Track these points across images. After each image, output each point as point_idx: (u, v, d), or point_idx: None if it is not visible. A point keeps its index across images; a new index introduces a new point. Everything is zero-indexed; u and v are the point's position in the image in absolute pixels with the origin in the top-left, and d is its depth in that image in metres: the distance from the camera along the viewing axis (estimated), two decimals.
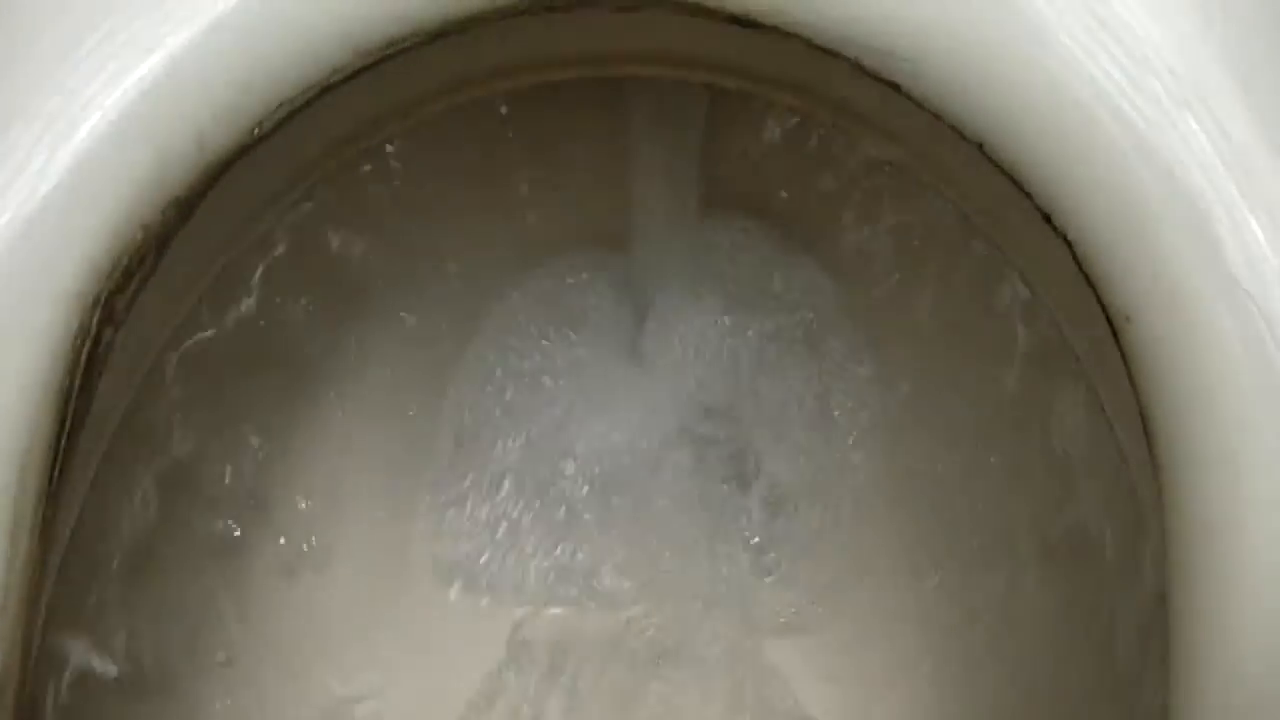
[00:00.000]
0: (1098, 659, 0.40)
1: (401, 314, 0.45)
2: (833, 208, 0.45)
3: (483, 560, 0.46)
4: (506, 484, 0.46)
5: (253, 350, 0.43)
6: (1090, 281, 0.32)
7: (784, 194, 0.45)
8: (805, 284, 0.47)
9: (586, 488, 0.45)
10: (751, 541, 0.46)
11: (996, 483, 0.44)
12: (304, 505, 0.44)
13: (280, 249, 0.42)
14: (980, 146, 0.32)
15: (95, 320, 0.31)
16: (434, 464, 0.46)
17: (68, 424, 0.31)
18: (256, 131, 0.32)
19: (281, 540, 0.44)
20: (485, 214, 0.45)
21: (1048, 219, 0.32)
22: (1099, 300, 0.32)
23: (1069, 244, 0.32)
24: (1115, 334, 0.32)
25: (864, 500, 0.46)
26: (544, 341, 0.46)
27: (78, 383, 0.31)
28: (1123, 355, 0.32)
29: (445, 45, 0.33)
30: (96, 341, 0.31)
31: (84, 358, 0.31)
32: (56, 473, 0.30)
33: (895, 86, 0.32)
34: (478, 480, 0.46)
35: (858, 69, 0.32)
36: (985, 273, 0.42)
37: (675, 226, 0.45)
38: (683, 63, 0.37)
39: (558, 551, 0.46)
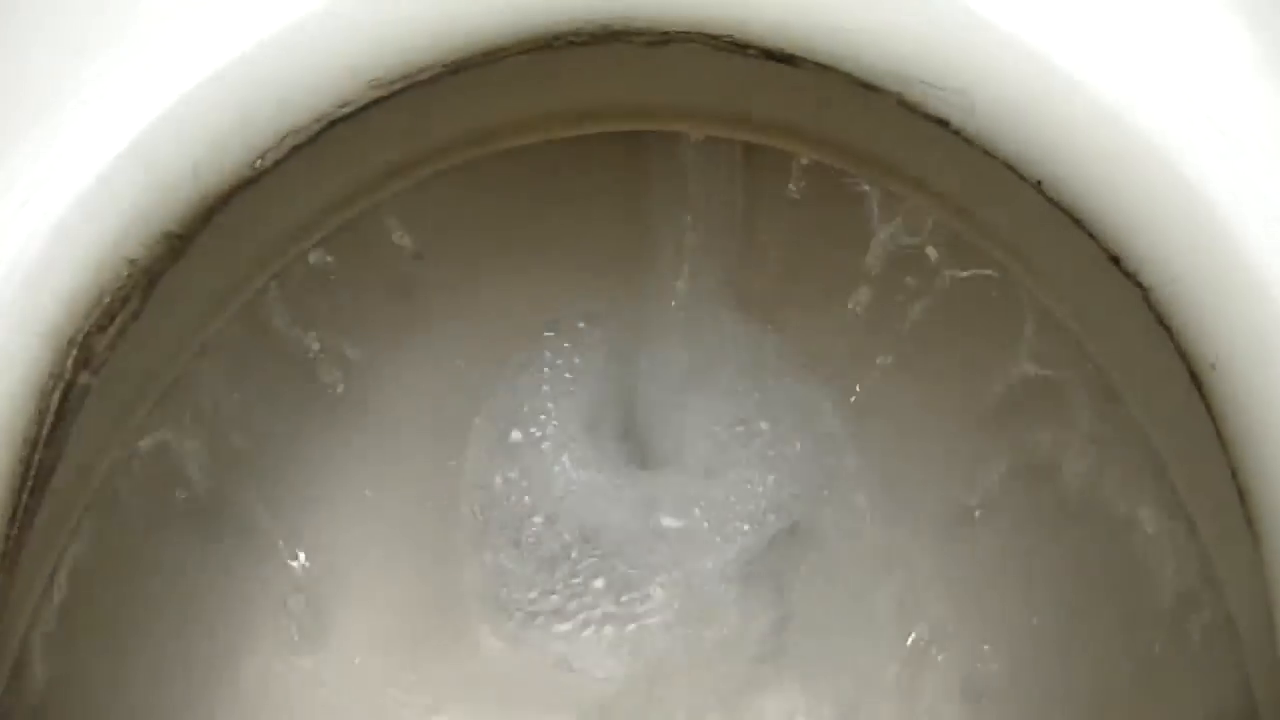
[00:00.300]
0: None
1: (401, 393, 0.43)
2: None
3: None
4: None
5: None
6: (1168, 328, 0.29)
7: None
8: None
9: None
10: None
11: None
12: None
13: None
14: (1039, 184, 0.30)
15: (70, 361, 0.28)
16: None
17: (31, 476, 0.27)
18: (258, 164, 0.29)
19: None
20: (487, 284, 0.43)
21: (1116, 261, 0.29)
22: (1178, 348, 0.29)
23: (1142, 288, 0.29)
24: (1198, 384, 0.29)
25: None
26: (551, 429, 0.43)
27: (46, 431, 0.28)
28: (1207, 407, 0.29)
29: (460, 87, 0.31)
30: (70, 385, 0.28)
31: (55, 403, 0.28)
32: (15, 529, 0.27)
33: (944, 123, 0.30)
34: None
35: (903, 105, 0.30)
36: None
37: (702, 311, 0.42)
38: (711, 116, 0.35)
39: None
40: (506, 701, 0.43)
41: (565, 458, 0.42)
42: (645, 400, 0.44)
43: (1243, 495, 0.28)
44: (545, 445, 0.42)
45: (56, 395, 0.28)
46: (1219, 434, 0.28)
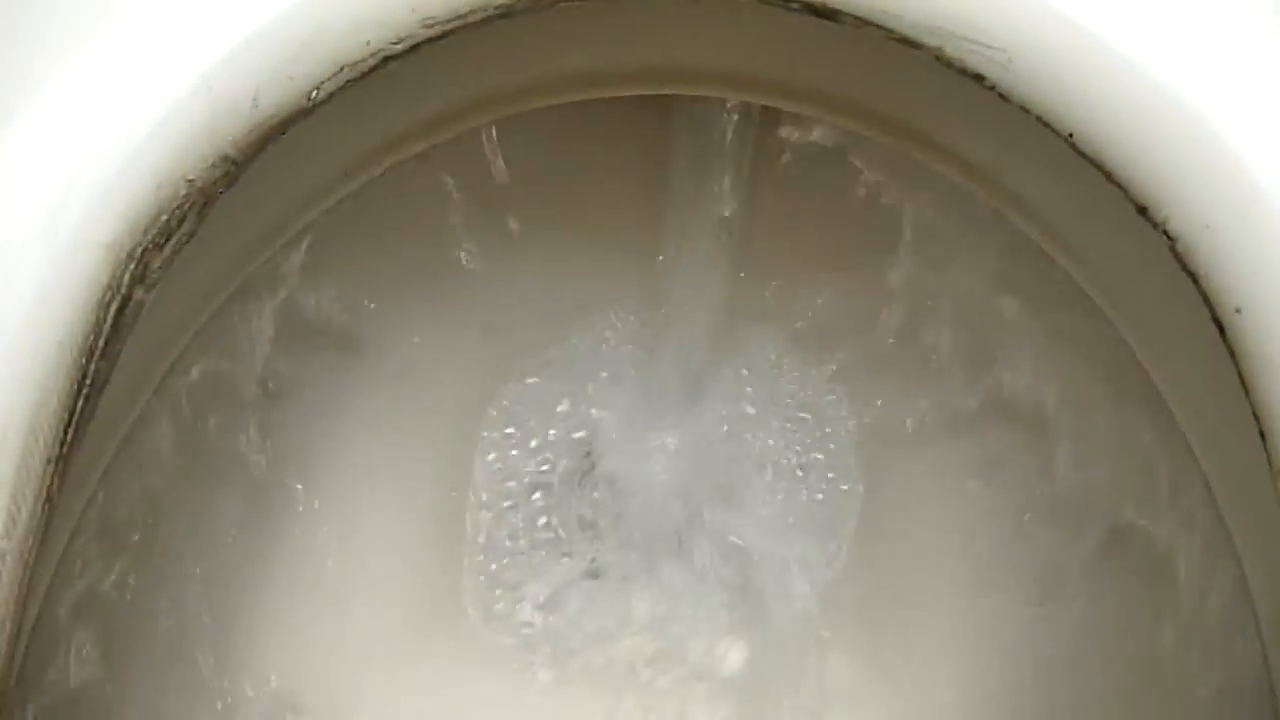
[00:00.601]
0: None
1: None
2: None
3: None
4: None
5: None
6: (1192, 276, 0.30)
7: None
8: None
9: None
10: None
11: None
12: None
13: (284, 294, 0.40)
14: (1070, 137, 0.31)
15: (127, 276, 0.28)
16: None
17: (86, 386, 0.28)
18: (314, 95, 0.30)
19: None
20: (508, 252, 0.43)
21: (1144, 212, 0.30)
22: (1203, 295, 0.30)
23: (1169, 238, 0.30)
24: (1222, 330, 0.30)
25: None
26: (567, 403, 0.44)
27: (102, 342, 0.28)
28: (1231, 352, 0.29)
29: (508, 33, 0.32)
30: (126, 300, 0.28)
31: (111, 315, 0.28)
32: (70, 436, 0.27)
33: (980, 78, 0.31)
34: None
35: (941, 61, 0.31)
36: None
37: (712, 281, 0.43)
38: (745, 81, 0.36)
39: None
40: None
41: None
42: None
43: (1265, 436, 0.29)
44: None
45: (113, 308, 0.28)
46: (1242, 378, 0.29)
